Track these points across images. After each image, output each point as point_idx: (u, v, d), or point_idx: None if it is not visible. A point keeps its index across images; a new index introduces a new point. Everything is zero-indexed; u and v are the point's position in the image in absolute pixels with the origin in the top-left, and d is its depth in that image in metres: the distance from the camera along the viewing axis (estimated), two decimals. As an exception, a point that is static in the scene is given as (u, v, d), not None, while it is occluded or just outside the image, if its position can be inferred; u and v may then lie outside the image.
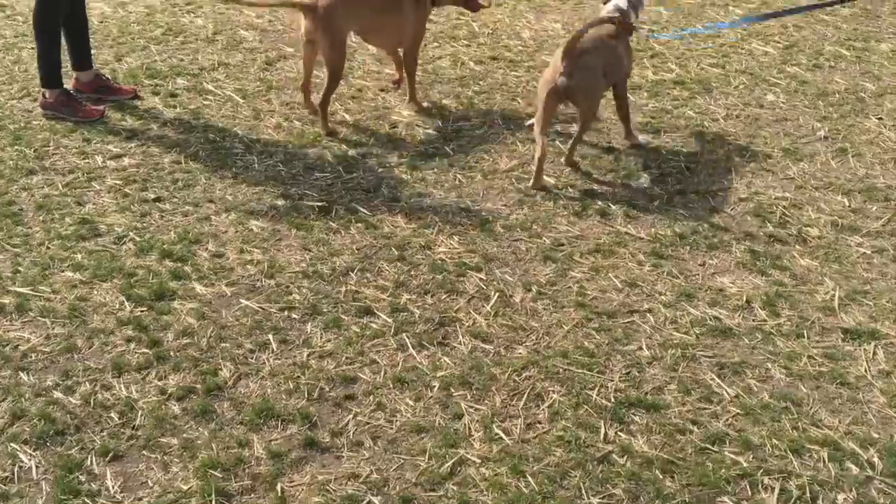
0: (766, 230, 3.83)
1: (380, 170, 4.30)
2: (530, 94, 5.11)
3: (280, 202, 3.95)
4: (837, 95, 5.12)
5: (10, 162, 4.16)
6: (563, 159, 4.34)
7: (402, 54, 4.91)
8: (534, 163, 4.14)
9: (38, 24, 4.48)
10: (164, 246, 3.54)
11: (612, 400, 2.87)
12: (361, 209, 3.92)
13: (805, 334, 3.19)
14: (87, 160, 4.24)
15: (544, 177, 4.14)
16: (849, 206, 4.02)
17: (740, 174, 4.30)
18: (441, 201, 4.02)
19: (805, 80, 5.33)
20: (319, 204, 3.92)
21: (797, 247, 3.72)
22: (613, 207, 4.01)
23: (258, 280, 3.37)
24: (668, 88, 5.27)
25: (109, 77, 5.07)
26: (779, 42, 5.90)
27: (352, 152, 4.46)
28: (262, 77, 5.33)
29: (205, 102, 4.97)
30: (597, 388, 2.91)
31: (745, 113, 4.94)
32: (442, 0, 4.92)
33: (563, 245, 3.71)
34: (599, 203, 4.04)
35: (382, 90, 5.26)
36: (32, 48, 5.38)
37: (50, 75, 4.58)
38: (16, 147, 4.31)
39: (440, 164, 4.36)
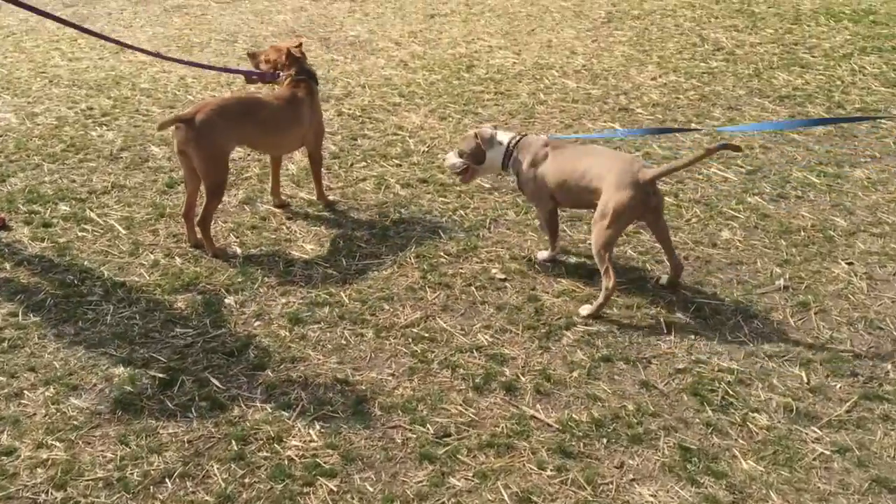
0: (704, 416, 3.12)
1: (255, 323, 3.63)
2: (459, 225, 4.48)
3: (117, 371, 3.27)
4: (803, 233, 4.46)
5: None
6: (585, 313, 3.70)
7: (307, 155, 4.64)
8: (601, 299, 3.71)
9: None
10: (-56, 439, 2.84)
11: None
12: (214, 381, 3.23)
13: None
14: None
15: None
16: (807, 384, 3.30)
17: (681, 334, 3.61)
18: (315, 369, 3.33)
19: (767, 212, 4.69)
20: (162, 376, 3.22)
21: (740, 441, 3.00)
22: (524, 380, 3.31)
23: (42, 492, 2.65)
24: (612, 220, 4.61)
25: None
26: (741, 166, 5.29)
27: (229, 300, 3.80)
28: (156, 202, 4.73)
29: (80, 234, 4.35)
30: None
31: (695, 253, 4.28)
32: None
33: (449, 436, 2.99)
34: (507, 372, 3.34)
35: (290, 218, 4.64)
36: None
37: None
38: None
39: (329, 316, 3.69)
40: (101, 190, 4.89)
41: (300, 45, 4.62)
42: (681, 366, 3.41)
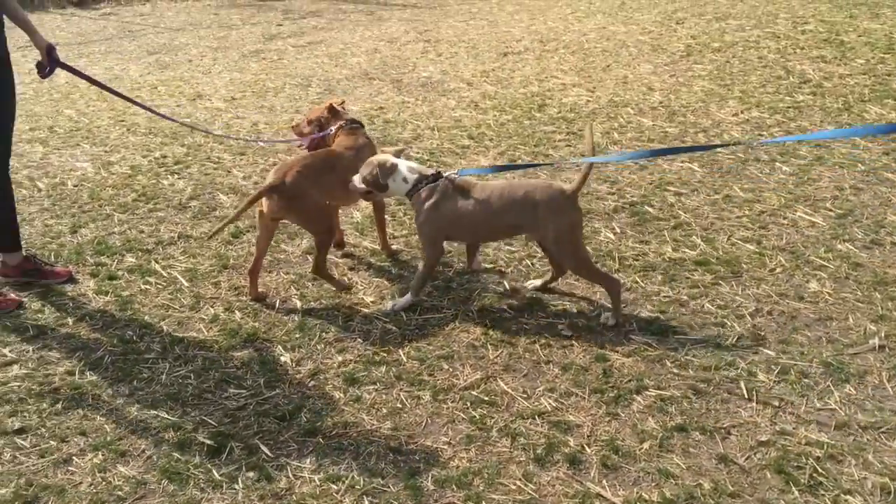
0: (790, 497, 2.82)
1: (310, 383, 3.51)
2: (525, 276, 4.30)
3: (166, 436, 3.18)
4: (900, 285, 4.09)
5: None
6: None
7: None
8: (614, 304, 3.84)
9: None
10: (-11, 509, 2.79)
11: None
12: (263, 448, 3.11)
13: None
14: (-31, 369, 3.60)
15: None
16: (908, 461, 2.96)
17: (764, 401, 3.32)
18: (368, 436, 3.17)
19: (859, 261, 4.33)
20: (210, 442, 3.12)
21: (831, 529, 2.68)
22: (589, 451, 3.07)
23: (80, 571, 2.56)
24: (688, 271, 4.36)
25: (42, 259, 4.52)
26: (830, 210, 4.94)
27: (285, 357, 3.70)
28: (220, 253, 4.70)
29: (143, 287, 4.34)
30: None
31: (779, 307, 3.97)
32: None
33: (506, 516, 2.78)
34: (572, 443, 3.11)
35: (352, 269, 4.54)
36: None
37: None
38: None
39: (385, 376, 3.54)
40: (167, 241, 4.90)
41: (343, 102, 4.58)
42: (763, 438, 3.11)
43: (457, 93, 7.90)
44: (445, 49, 9.81)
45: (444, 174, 4.02)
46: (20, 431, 3.20)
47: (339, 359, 3.69)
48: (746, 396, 3.35)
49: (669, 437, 3.14)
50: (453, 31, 10.87)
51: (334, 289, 4.21)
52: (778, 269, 4.32)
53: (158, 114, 4.95)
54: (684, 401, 3.35)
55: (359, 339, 3.83)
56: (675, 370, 3.55)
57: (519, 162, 5.97)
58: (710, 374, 3.50)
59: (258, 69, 9.10)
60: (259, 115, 7.33)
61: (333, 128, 4.47)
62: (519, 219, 3.86)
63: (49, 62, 4.10)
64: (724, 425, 3.19)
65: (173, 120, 5.32)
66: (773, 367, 3.52)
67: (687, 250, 4.59)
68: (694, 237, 4.73)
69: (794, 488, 2.85)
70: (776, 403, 3.30)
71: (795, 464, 2.96)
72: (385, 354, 3.71)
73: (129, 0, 13.85)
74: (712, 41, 9.41)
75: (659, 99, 7.44)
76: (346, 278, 4.32)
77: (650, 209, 5.14)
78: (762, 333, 3.77)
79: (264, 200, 3.99)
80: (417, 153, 6.23)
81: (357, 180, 4.07)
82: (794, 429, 3.14)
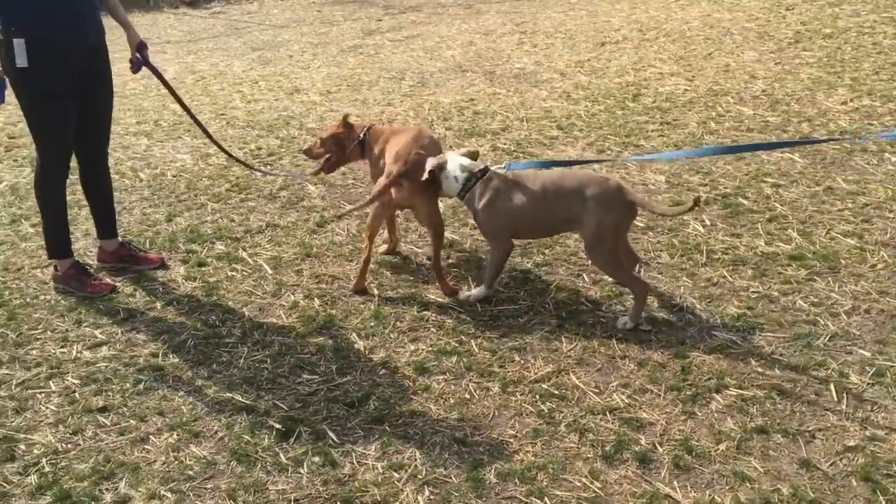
0: (877, 507, 2.63)
1: (381, 371, 3.52)
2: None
3: (239, 419, 3.25)
4: None
5: (-17, 350, 3.77)
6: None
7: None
8: (637, 303, 3.70)
9: (38, 193, 4.18)
10: (69, 483, 2.92)
11: None
12: (331, 434, 3.14)
13: None
14: (63, 349, 3.79)
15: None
16: None
17: (855, 404, 3.11)
18: (434, 425, 3.16)
19: (973, 258, 4.01)
20: (279, 427, 3.16)
21: (920, 543, 2.48)
22: (661, 450, 2.95)
23: (146, 548, 2.64)
24: (781, 266, 4.14)
25: (137, 245, 4.71)
26: (942, 201, 4.60)
27: (359, 344, 3.73)
28: (304, 242, 4.78)
29: (230, 274, 4.46)
30: None
31: (878, 306, 3.72)
32: None
33: (568, 513, 2.70)
34: (643, 441, 3.00)
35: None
36: (80, 208, 5.20)
37: (54, 247, 4.25)
38: (2, 329, 3.95)
39: (456, 366, 3.52)
40: (255, 229, 5.01)
41: (346, 116, 4.51)
42: (851, 443, 2.92)
43: (549, 83, 7.78)
44: (541, 40, 9.68)
45: (491, 168, 3.92)
46: (103, 410, 3.33)
47: (412, 348, 3.68)
48: (836, 399, 3.16)
49: (748, 438, 2.99)
50: (551, 22, 10.73)
51: (440, 287, 4.11)
52: (879, 266, 4.06)
53: (209, 135, 4.90)
54: (767, 402, 3.18)
55: (432, 329, 3.81)
56: (760, 369, 3.37)
57: (605, 154, 5.83)
58: (797, 375, 3.31)
59: (355, 63, 9.23)
60: (352, 107, 7.43)
61: (356, 139, 4.38)
62: (570, 211, 3.69)
63: (138, 60, 4.25)
64: (809, 428, 3.01)
65: (219, 147, 5.23)
66: (867, 368, 3.31)
67: (781, 244, 4.36)
68: (790, 230, 4.49)
69: (881, 497, 2.66)
70: (868, 407, 3.09)
71: (885, 472, 2.77)
72: (457, 344, 3.68)
73: (237, -1, 14.32)
74: (824, 27, 8.94)
75: (762, 87, 7.11)
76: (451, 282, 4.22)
77: (744, 201, 4.92)
78: (857, 333, 3.54)
79: (392, 189, 3.95)
80: (504, 144, 6.17)
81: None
82: (886, 434, 2.94)
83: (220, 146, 4.88)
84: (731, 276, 4.10)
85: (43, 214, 4.24)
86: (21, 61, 3.77)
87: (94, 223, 4.56)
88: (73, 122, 4.03)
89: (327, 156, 4.50)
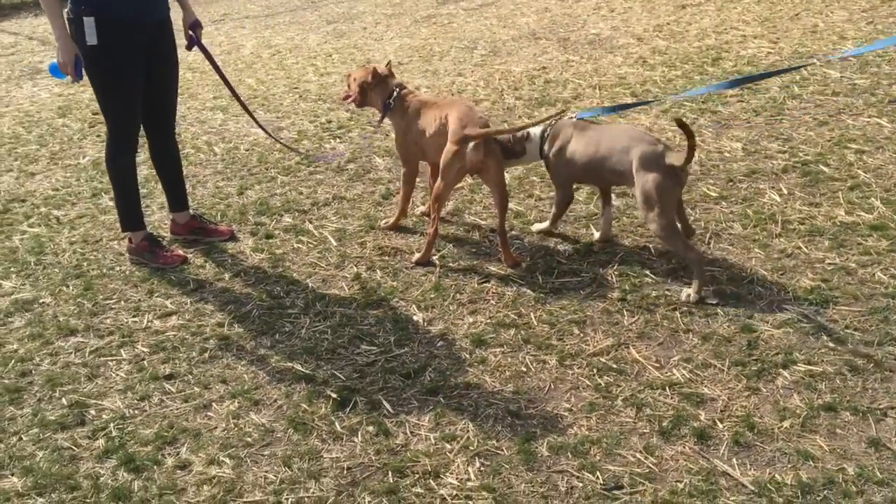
0: (951, 491, 2.48)
1: (438, 343, 3.52)
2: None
3: (298, 388, 3.31)
4: None
5: (62, 318, 3.95)
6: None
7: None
8: (696, 279, 3.63)
9: (109, 167, 4.32)
10: (134, 447, 3.03)
11: None
12: (386, 404, 3.16)
13: None
14: (136, 318, 3.93)
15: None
16: None
17: (933, 382, 2.94)
18: (489, 398, 3.14)
19: None
20: (335, 396, 3.21)
21: None
22: (721, 427, 2.86)
23: (202, 511, 2.72)
24: (861, 236, 3.95)
25: (208, 218, 4.83)
26: None
27: (417, 316, 3.74)
28: (369, 214, 4.81)
29: (296, 246, 4.53)
30: None
31: (964, 278, 3.50)
32: None
33: (620, 489, 2.65)
34: (703, 417, 2.92)
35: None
36: (155, 182, 5.35)
37: (126, 220, 4.39)
38: (79, 299, 4.11)
39: (514, 339, 3.49)
40: (322, 202, 5.06)
41: (389, 64, 4.48)
42: (926, 423, 2.76)
43: (625, 49, 7.57)
44: (619, 4, 9.42)
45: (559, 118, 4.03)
46: (169, 377, 3.44)
47: (470, 320, 3.67)
48: (912, 375, 2.99)
49: (815, 416, 2.87)
50: (630, -15, 10.40)
51: (503, 258, 4.08)
52: (969, 235, 3.81)
53: (245, 109, 4.91)
54: (837, 378, 3.04)
55: (491, 301, 3.79)
56: (832, 344, 3.23)
57: (684, 119, 5.63)
58: (871, 350, 3.16)
59: (427, 34, 9.18)
60: (423, 78, 7.40)
61: (392, 98, 4.29)
62: (620, 166, 3.73)
63: (189, 40, 4.33)
64: (881, 406, 2.87)
65: (254, 119, 5.25)
66: (948, 344, 3.11)
67: (862, 213, 4.15)
68: (872, 199, 4.27)
69: (956, 482, 2.51)
70: (947, 385, 2.91)
71: (962, 454, 2.60)
72: (516, 317, 3.64)
73: (315, -28, 14.41)
74: (923, -19, 8.39)
75: (851, 49, 6.74)
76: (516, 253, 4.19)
77: (825, 168, 4.70)
78: (940, 307, 3.33)
79: (471, 151, 3.89)
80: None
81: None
82: (965, 415, 2.76)
83: (263, 129, 5.03)
84: (806, 247, 3.92)
85: (115, 189, 4.37)
86: (91, 39, 3.88)
87: (166, 197, 4.68)
88: (140, 99, 4.13)
89: (352, 97, 4.45)
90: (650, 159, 3.62)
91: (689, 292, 3.61)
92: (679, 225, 3.73)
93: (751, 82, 5.44)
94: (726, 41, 7.44)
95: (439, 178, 3.98)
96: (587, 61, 7.34)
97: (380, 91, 4.37)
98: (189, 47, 4.41)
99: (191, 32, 4.36)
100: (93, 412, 3.25)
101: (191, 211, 4.74)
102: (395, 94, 4.32)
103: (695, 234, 4.01)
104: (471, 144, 3.85)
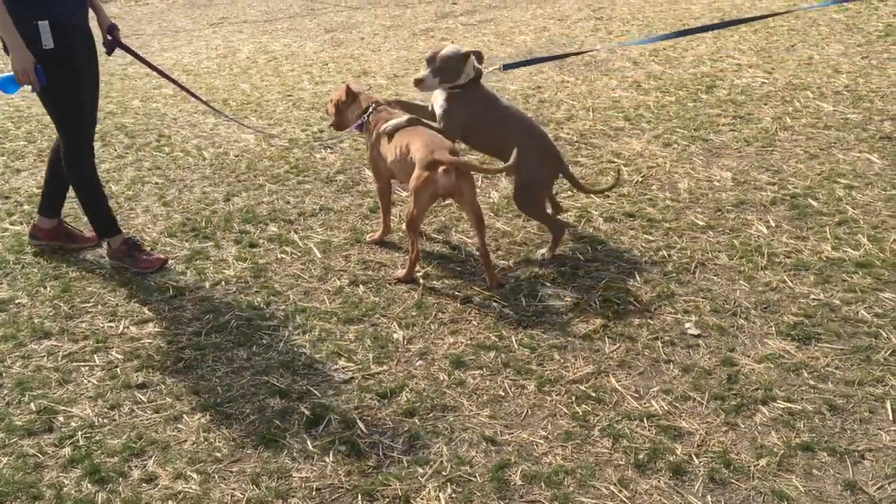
0: (925, 539, 2.45)
1: (417, 363, 3.48)
2: (660, 268, 4.05)
3: (272, 402, 3.26)
4: None
5: (37, 320, 3.89)
6: None
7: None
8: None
9: (73, 176, 4.20)
10: (101, 457, 2.97)
11: None
12: (360, 424, 3.11)
13: None
14: (112, 323, 3.87)
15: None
16: None
17: (911, 426, 2.92)
18: (465, 421, 3.10)
19: None
20: (309, 414, 3.16)
21: (970, 582, 2.31)
22: (697, 462, 2.83)
23: (166, 526, 2.66)
24: (847, 272, 3.93)
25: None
26: None
27: (398, 334, 3.69)
28: (356, 227, 4.77)
29: (280, 256, 4.48)
30: None
31: (947, 320, 3.49)
32: None
33: (592, 521, 2.61)
34: (679, 451, 2.88)
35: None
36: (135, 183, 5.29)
37: (101, 225, 4.32)
38: (56, 301, 4.06)
39: (493, 362, 3.45)
40: (309, 212, 5.02)
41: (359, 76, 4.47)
42: (904, 467, 2.74)
43: (620, 72, 7.58)
44: (617, 27, 9.45)
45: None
46: (142, 386, 3.38)
47: (451, 340, 3.63)
48: (891, 418, 2.98)
49: (792, 455, 2.84)
50: (629, 8, 10.45)
51: (487, 278, 4.05)
52: (953, 276, 3.80)
53: (189, 91, 4.84)
54: (816, 417, 3.01)
55: (473, 322, 3.75)
56: (812, 381, 3.20)
57: (675, 145, 5.63)
58: (851, 390, 3.13)
59: (425, 47, 9.16)
60: (417, 92, 7.36)
61: (367, 115, 4.35)
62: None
63: (110, 42, 4.24)
64: (859, 448, 2.84)
65: (197, 97, 5.18)
66: (929, 387, 3.10)
67: (849, 249, 4.14)
68: (859, 235, 4.26)
69: (930, 530, 2.48)
70: (926, 430, 2.89)
71: (938, 502, 2.58)
72: (497, 339, 3.61)
73: (316, -20, 14.44)
74: (919, 19, 8.45)
75: (845, 83, 6.77)
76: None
77: (814, 202, 4.69)
78: (922, 349, 3.32)
79: (441, 176, 3.87)
80: (567, 134, 6.03)
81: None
82: (943, 461, 2.74)
83: (205, 102, 4.93)
84: (791, 281, 3.91)
85: (83, 198, 4.24)
86: (48, 43, 3.81)
87: (45, 198, 4.45)
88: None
89: (332, 121, 4.56)
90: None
91: (542, 251, 4.23)
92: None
93: (690, 34, 5.37)
94: (721, 69, 7.46)
95: (411, 204, 3.96)
96: (582, 83, 7.35)
97: (355, 108, 4.40)
98: (110, 52, 4.28)
99: (109, 36, 4.24)
100: (61, 419, 3.20)
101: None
102: (370, 110, 4.32)
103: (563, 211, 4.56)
104: (440, 169, 3.83)
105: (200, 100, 4.92)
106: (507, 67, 4.52)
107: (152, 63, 4.67)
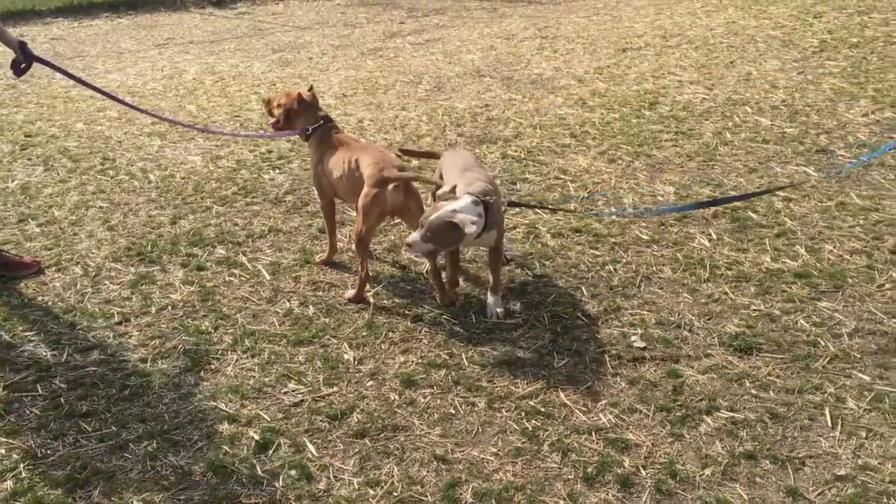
0: (863, 542, 2.52)
1: (368, 383, 3.48)
2: (606, 282, 4.10)
3: (220, 428, 3.22)
4: None
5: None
6: None
7: None
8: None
9: None
10: (44, 489, 2.92)
11: None
12: (310, 447, 3.10)
13: None
14: (55, 352, 3.81)
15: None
16: None
17: (849, 431, 3.01)
18: (416, 441, 3.10)
19: (985, 280, 3.87)
20: (258, 438, 3.13)
21: (906, 583, 2.38)
22: (644, 474, 2.87)
23: (112, 557, 2.61)
24: (786, 283, 4.04)
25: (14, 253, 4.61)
26: (958, 220, 4.45)
27: (348, 355, 3.68)
28: (305, 248, 4.75)
29: (228, 279, 4.44)
30: None
31: (883, 328, 3.61)
32: None
33: (542, 536, 2.63)
34: (627, 464, 2.92)
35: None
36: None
37: None
38: (-3, 331, 3.95)
39: (444, 380, 3.46)
40: (258, 234, 4.99)
41: (311, 88, 4.47)
42: (842, 472, 2.82)
43: (566, 90, 7.70)
44: (562, 45, 9.60)
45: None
46: (86, 415, 3.32)
47: (401, 359, 3.63)
48: (830, 425, 3.06)
49: (735, 464, 2.90)
50: (574, 27, 10.63)
51: (438, 297, 4.08)
52: (887, 286, 3.93)
53: (132, 106, 4.78)
54: (758, 425, 3.08)
55: (423, 341, 3.76)
56: (754, 391, 3.28)
57: (620, 161, 5.73)
58: (792, 398, 3.21)
59: (373, 67, 9.20)
60: (366, 111, 7.40)
61: (311, 126, 4.33)
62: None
63: (24, 58, 4.12)
64: (800, 455, 2.91)
65: (150, 113, 5.29)
66: (865, 393, 3.20)
67: (788, 260, 4.25)
68: (797, 247, 4.38)
69: (868, 532, 2.55)
70: (863, 434, 2.99)
71: (874, 503, 2.66)
72: (447, 357, 3.62)
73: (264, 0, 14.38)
74: (850, 36, 8.75)
75: (782, 97, 6.98)
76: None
77: (753, 215, 4.81)
78: (858, 356, 3.43)
79: (390, 193, 3.89)
80: (515, 151, 6.10)
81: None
82: (879, 464, 2.83)
83: (143, 111, 4.90)
84: (733, 292, 4.00)
85: None
86: None
87: None
88: None
89: (274, 121, 4.47)
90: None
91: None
92: None
93: (719, 205, 5.09)
94: (664, 86, 7.62)
95: (360, 222, 3.97)
96: (528, 100, 7.44)
97: (305, 117, 4.37)
98: (21, 71, 4.15)
99: (23, 54, 4.11)
100: (3, 451, 3.12)
101: None
102: (320, 123, 4.32)
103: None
104: (390, 186, 3.85)
105: (139, 109, 4.87)
106: (511, 205, 4.26)
107: (78, 76, 4.60)
